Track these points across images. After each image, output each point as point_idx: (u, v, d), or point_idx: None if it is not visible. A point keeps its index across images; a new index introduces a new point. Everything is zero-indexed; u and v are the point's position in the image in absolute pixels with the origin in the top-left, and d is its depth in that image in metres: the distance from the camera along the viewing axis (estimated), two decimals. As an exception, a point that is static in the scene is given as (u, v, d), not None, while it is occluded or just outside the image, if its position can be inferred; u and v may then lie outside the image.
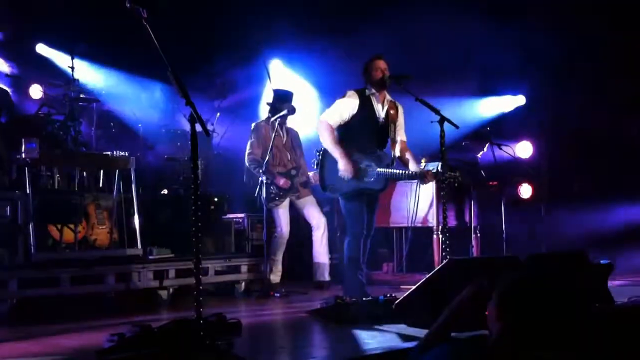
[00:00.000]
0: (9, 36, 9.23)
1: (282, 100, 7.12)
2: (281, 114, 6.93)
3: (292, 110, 6.96)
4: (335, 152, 5.70)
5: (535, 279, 2.56)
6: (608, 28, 9.07)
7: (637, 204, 9.40)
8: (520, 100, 10.42)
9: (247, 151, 7.07)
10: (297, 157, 7.24)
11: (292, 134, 7.30)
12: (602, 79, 9.45)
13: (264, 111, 7.48)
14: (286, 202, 7.05)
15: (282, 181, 6.93)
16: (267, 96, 9.66)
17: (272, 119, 6.98)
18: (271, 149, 6.77)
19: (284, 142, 7.15)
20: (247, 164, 7.09)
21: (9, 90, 7.58)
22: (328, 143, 5.74)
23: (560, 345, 2.50)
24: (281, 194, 6.95)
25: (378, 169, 5.69)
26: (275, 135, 6.83)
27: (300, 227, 7.87)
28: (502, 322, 2.50)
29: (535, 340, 2.48)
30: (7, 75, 8.36)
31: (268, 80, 7.79)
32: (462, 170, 7.56)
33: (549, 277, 2.65)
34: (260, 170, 6.74)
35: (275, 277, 6.99)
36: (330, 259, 7.34)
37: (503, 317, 2.50)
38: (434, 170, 5.68)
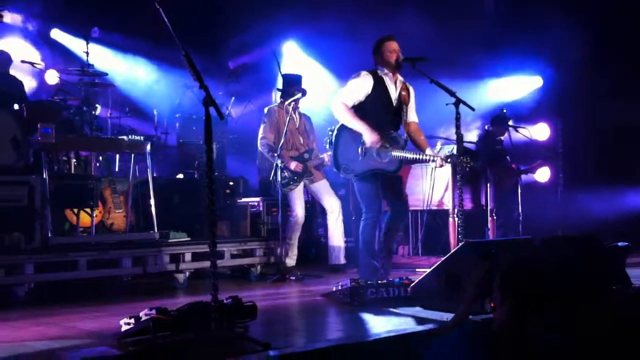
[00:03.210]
0: (26, 21, 9.27)
1: (292, 83, 7.14)
2: (295, 97, 6.93)
3: (304, 93, 6.97)
4: (358, 126, 5.62)
5: (535, 260, 2.57)
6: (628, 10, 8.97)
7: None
8: (537, 81, 10.32)
9: (260, 136, 7.09)
10: (310, 141, 7.25)
11: (305, 118, 7.31)
12: (622, 60, 9.34)
13: (278, 95, 7.47)
14: (300, 186, 7.06)
15: (293, 164, 6.92)
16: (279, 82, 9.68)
17: (286, 102, 6.98)
18: (285, 133, 6.79)
19: (297, 126, 7.16)
20: (259, 148, 7.11)
21: (22, 81, 7.61)
22: (349, 120, 5.67)
23: (561, 326, 2.50)
24: (295, 178, 6.95)
25: (393, 152, 5.65)
26: (289, 119, 6.84)
27: (316, 210, 7.87)
28: (506, 303, 2.51)
29: (538, 320, 2.49)
30: (22, 61, 8.35)
31: (278, 69, 7.82)
32: (483, 155, 7.57)
33: (550, 259, 2.65)
34: (275, 154, 6.75)
35: (291, 260, 7.01)
36: (346, 242, 7.34)
37: (505, 298, 2.51)
38: (448, 154, 5.63)
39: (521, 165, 8.57)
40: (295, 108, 7.11)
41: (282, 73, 7.52)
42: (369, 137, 5.58)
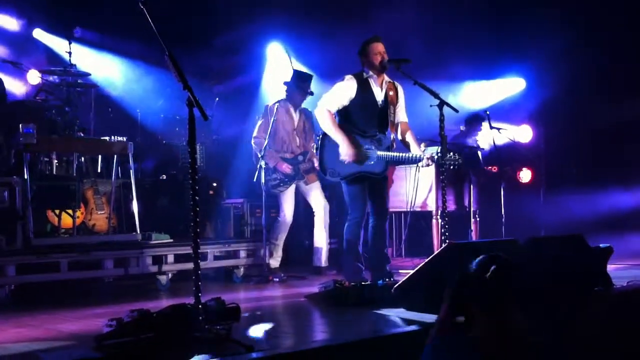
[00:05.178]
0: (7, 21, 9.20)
1: (303, 79, 7.05)
2: (290, 96, 6.91)
3: (309, 93, 6.96)
4: (337, 137, 5.70)
5: (474, 275, 2.61)
6: (609, 11, 9.02)
7: (636, 188, 9.38)
8: (520, 84, 10.37)
9: (254, 134, 7.00)
10: (307, 142, 7.14)
11: (306, 115, 7.15)
12: (603, 63, 9.40)
13: (264, 96, 7.44)
14: (292, 188, 7.00)
15: (283, 166, 6.88)
16: (268, 80, 9.63)
17: (288, 100, 6.95)
18: (278, 133, 6.75)
19: (295, 125, 7.07)
20: (253, 147, 7.01)
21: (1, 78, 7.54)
22: (329, 129, 5.75)
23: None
24: (286, 180, 6.91)
25: (378, 152, 5.69)
26: (287, 119, 6.82)
27: (300, 212, 7.85)
28: (475, 320, 2.56)
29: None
30: (4, 61, 8.30)
31: (289, 60, 7.73)
32: (463, 155, 7.56)
33: (535, 260, 2.68)
34: (260, 155, 6.69)
35: (275, 262, 6.99)
36: (330, 243, 7.33)
37: (473, 315, 2.55)
38: (434, 154, 5.65)
39: (504, 167, 8.59)
40: (297, 107, 7.07)
41: (295, 69, 7.39)
42: (344, 149, 5.65)
